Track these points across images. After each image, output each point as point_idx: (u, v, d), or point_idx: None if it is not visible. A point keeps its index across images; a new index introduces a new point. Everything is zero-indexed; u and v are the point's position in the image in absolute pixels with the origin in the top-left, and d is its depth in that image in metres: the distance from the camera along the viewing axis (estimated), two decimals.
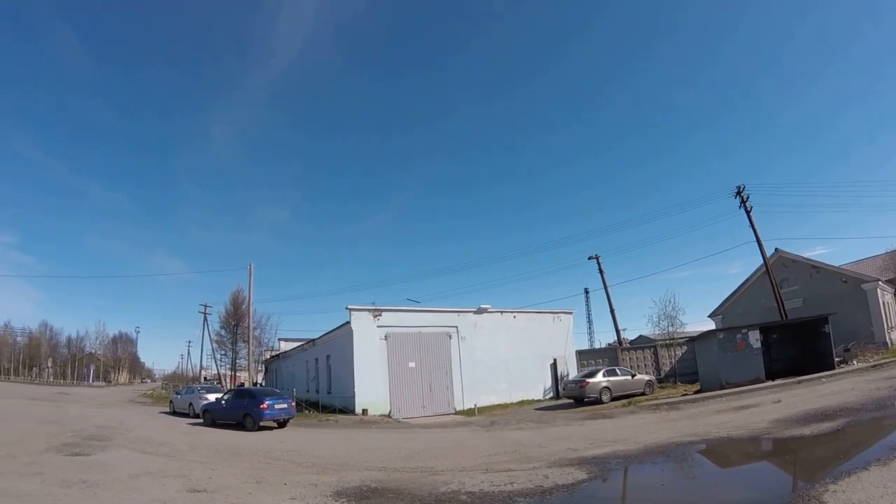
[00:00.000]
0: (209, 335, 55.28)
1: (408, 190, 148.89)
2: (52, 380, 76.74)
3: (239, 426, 18.05)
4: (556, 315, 30.21)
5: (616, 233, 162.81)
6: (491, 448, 11.88)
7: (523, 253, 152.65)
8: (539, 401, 26.48)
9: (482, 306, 27.21)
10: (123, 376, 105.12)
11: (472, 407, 23.97)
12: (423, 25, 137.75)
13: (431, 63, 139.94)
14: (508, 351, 27.06)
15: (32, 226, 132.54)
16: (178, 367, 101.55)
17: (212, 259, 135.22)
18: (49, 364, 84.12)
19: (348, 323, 23.96)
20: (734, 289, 39.09)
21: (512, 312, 28.71)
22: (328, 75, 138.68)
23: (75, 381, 78.12)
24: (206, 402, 21.78)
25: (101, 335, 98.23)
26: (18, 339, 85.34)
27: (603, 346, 52.62)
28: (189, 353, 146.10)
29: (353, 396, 22.95)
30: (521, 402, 25.69)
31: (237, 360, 62.34)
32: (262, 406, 17.80)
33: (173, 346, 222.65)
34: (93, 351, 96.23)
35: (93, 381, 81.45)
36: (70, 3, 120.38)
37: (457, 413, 23.92)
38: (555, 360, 28.72)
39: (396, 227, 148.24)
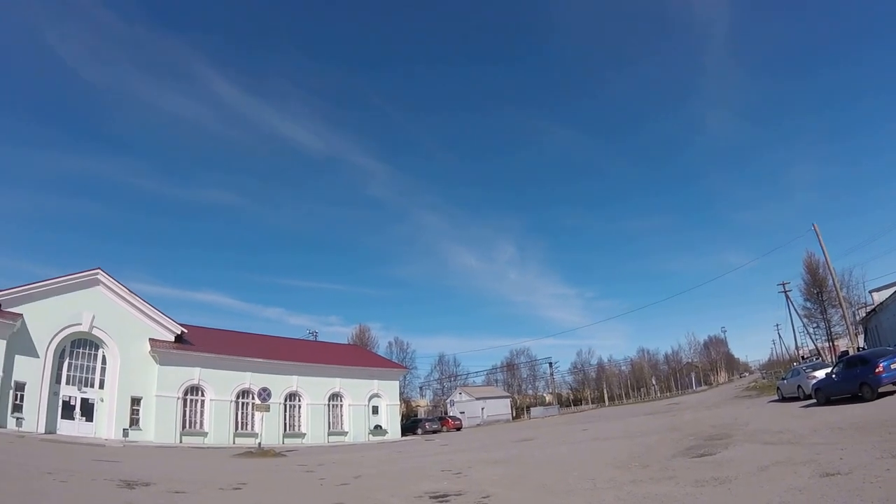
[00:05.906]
0: (795, 312, 52.77)
1: None
2: (658, 394, 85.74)
3: (855, 398, 16.58)
4: None
5: None
6: None
7: None
8: None
9: None
10: (722, 376, 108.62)
11: None
12: None
13: None
14: None
15: (601, 275, 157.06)
16: (772, 353, 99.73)
17: (766, 238, 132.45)
18: (653, 381, 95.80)
19: None
20: None
21: None
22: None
23: (680, 391, 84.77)
24: (814, 380, 20.74)
25: (693, 344, 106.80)
26: (622, 367, 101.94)
27: None
28: (780, 335, 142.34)
29: None
30: None
31: (831, 329, 57.03)
32: (877, 370, 15.66)
33: (762, 334, 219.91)
34: (689, 360, 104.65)
35: (696, 386, 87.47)
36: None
37: None
38: None
39: None
